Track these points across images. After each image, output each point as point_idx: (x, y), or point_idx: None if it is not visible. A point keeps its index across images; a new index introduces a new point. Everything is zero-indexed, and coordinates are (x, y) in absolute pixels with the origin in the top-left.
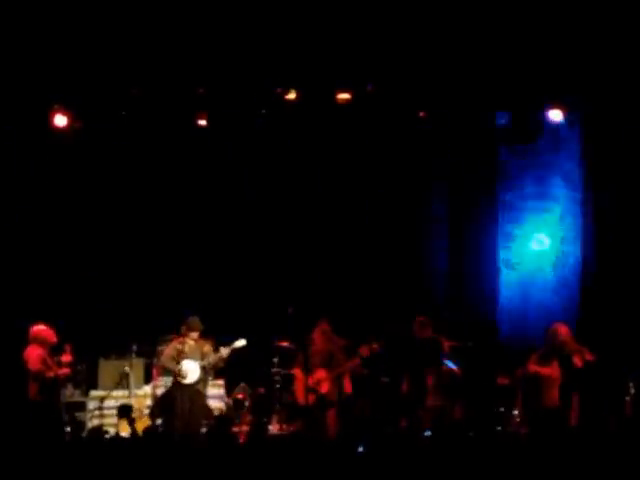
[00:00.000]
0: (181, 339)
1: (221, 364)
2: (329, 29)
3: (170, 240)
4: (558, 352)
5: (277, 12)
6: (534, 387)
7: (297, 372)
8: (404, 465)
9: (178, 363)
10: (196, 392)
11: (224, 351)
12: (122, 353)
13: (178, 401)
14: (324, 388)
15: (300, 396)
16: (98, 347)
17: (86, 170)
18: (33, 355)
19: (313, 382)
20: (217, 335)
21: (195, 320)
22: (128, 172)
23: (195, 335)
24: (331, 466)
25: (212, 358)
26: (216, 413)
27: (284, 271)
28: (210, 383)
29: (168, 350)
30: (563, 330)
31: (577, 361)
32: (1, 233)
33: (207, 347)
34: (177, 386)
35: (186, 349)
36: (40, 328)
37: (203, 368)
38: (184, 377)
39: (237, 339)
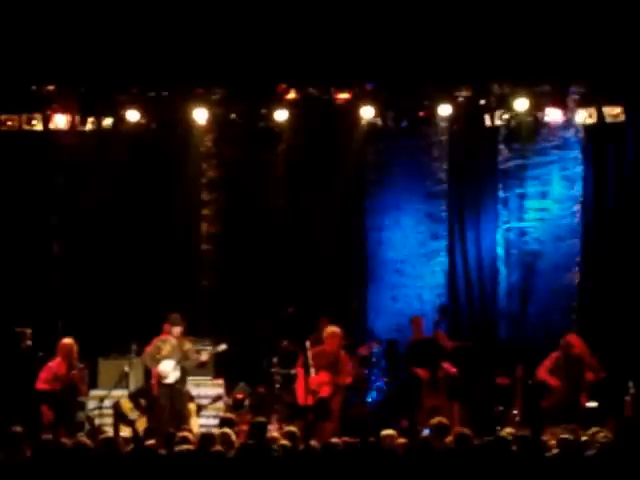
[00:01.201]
0: (163, 337)
1: (200, 367)
2: (329, 30)
3: (171, 240)
4: (573, 362)
5: (277, 13)
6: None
7: (300, 371)
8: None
9: (158, 362)
10: (177, 391)
11: (204, 355)
12: (122, 352)
13: (159, 400)
14: (324, 392)
15: (300, 396)
16: (98, 346)
17: (86, 170)
18: (42, 372)
19: (314, 384)
20: (214, 335)
21: (176, 317)
22: (127, 172)
23: (177, 332)
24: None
25: (192, 360)
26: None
27: (284, 271)
28: (210, 383)
29: (150, 349)
30: (577, 342)
31: (589, 376)
32: (1, 235)
33: (188, 346)
34: (158, 385)
35: (168, 348)
36: (63, 342)
37: (183, 368)
38: (164, 377)
39: (219, 343)
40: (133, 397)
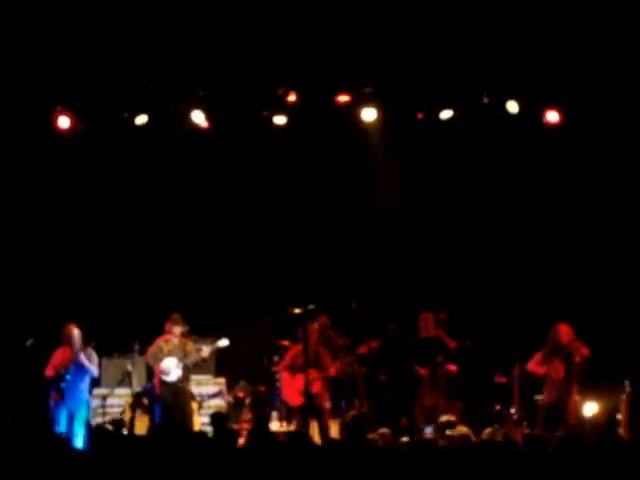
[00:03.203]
0: (165, 337)
1: (202, 363)
2: (329, 31)
3: (173, 239)
4: (561, 351)
5: (277, 15)
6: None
7: (285, 374)
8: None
9: (160, 361)
10: (180, 389)
11: (206, 351)
12: (125, 351)
13: (164, 398)
14: (315, 388)
15: (288, 397)
16: (101, 345)
17: (89, 171)
18: (50, 360)
19: (304, 382)
20: (214, 334)
21: (177, 317)
22: (130, 173)
23: (178, 332)
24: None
25: (194, 357)
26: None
27: (285, 270)
28: (212, 382)
29: (152, 348)
30: (564, 329)
31: (576, 358)
32: (3, 234)
33: (190, 345)
34: (161, 384)
35: (170, 347)
36: (66, 327)
37: (185, 366)
38: (166, 374)
39: (220, 339)
40: (136, 397)
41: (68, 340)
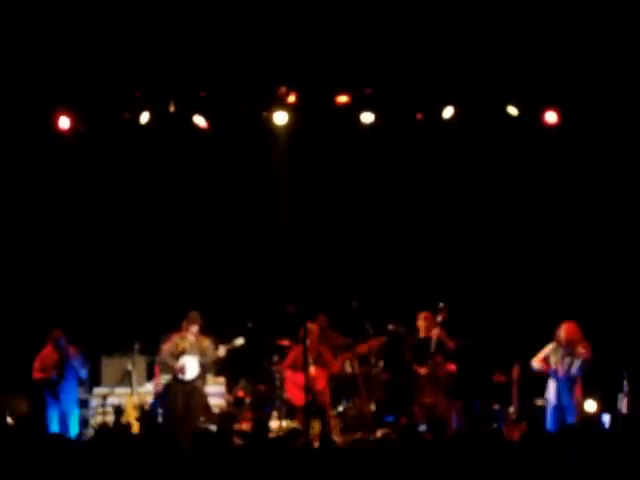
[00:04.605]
0: (181, 334)
1: (219, 362)
2: (328, 32)
3: (173, 239)
4: (564, 349)
5: (277, 16)
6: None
7: (288, 372)
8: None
9: (177, 359)
10: (194, 388)
11: (222, 349)
12: (125, 351)
13: (176, 397)
14: (319, 385)
15: (292, 396)
16: (101, 345)
17: (89, 172)
18: (36, 362)
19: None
20: (218, 332)
21: (195, 314)
22: (130, 173)
23: (195, 329)
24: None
25: (210, 355)
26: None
27: (285, 271)
28: (211, 380)
29: (168, 346)
30: (569, 328)
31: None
32: (4, 235)
33: (206, 343)
34: (175, 382)
35: (186, 345)
36: (52, 331)
37: (202, 365)
38: (183, 373)
39: (236, 338)
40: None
41: (56, 344)
